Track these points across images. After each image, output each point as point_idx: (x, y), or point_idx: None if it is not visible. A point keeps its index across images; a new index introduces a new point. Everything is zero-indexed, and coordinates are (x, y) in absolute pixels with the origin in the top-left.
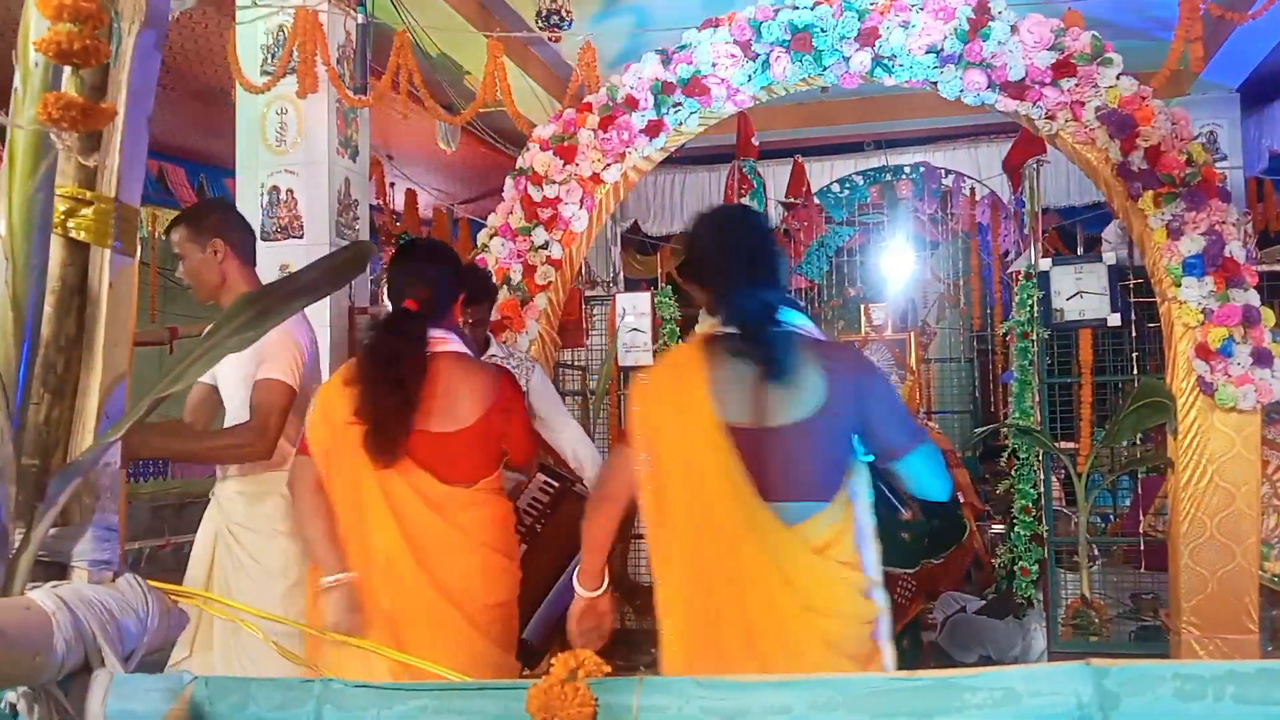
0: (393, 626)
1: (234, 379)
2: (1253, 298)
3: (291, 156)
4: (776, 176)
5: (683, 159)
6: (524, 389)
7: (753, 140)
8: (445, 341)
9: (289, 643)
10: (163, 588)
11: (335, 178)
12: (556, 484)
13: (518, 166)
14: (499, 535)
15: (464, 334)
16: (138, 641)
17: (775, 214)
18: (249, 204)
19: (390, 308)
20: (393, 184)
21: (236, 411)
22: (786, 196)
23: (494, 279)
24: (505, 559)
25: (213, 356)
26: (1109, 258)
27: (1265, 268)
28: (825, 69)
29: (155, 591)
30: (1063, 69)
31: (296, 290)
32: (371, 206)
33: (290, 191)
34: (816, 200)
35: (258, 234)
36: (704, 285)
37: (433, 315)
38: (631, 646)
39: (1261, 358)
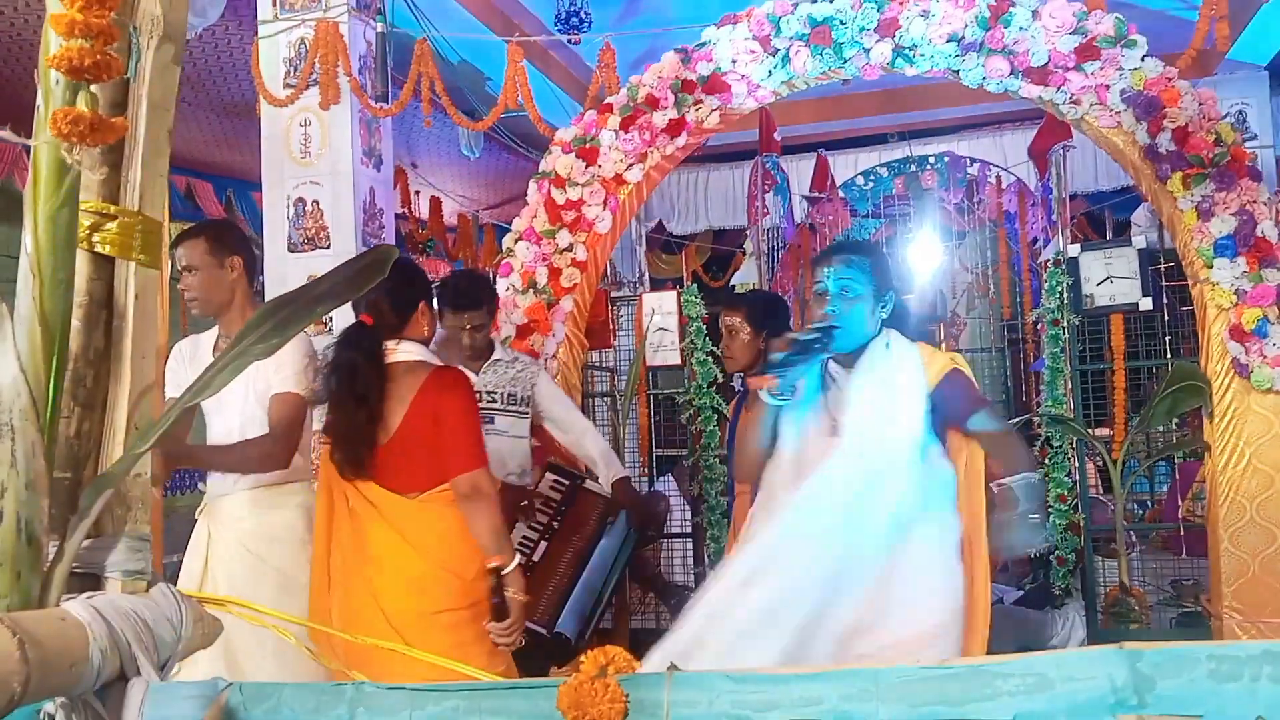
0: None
1: (240, 391)
2: None
3: (316, 168)
4: (800, 171)
5: (705, 157)
6: (529, 393)
7: (775, 136)
8: (394, 352)
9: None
10: (195, 596)
11: (360, 187)
12: (566, 481)
13: (540, 170)
14: (441, 547)
15: (424, 343)
16: (172, 650)
17: (800, 209)
18: (276, 216)
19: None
20: (417, 192)
21: (234, 424)
22: (810, 191)
23: (489, 283)
24: (446, 571)
25: (239, 365)
26: (1139, 241)
27: None
28: (845, 61)
29: (189, 600)
30: (1086, 52)
31: (318, 297)
32: (396, 215)
33: (316, 203)
34: (841, 194)
35: (285, 246)
36: None
37: (389, 328)
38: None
39: None
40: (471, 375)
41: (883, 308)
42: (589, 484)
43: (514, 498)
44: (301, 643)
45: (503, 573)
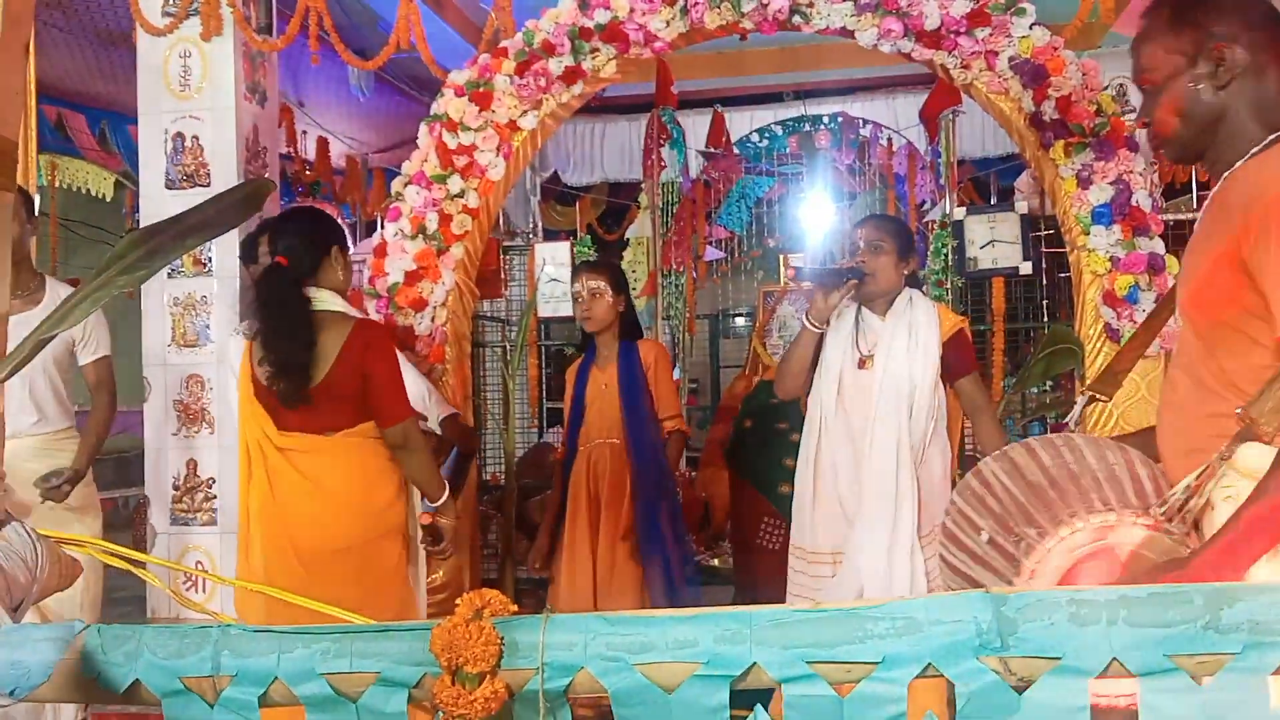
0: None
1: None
2: (1158, 246)
3: (196, 101)
4: (696, 126)
5: (602, 108)
6: None
7: (672, 89)
8: (315, 300)
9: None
10: (53, 536)
11: (243, 124)
12: None
13: (432, 113)
14: (347, 484)
15: (337, 289)
16: (26, 591)
17: (695, 164)
18: (152, 151)
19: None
20: (304, 132)
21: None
22: (706, 146)
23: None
24: (351, 507)
25: (101, 295)
26: (1021, 207)
27: (1170, 217)
28: (743, 15)
29: (45, 541)
30: (977, 18)
31: (189, 229)
32: (281, 155)
33: (195, 138)
34: (736, 150)
35: (163, 183)
36: None
37: (303, 273)
38: None
39: (1162, 307)
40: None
41: (906, 267)
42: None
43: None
44: (161, 582)
45: (437, 504)
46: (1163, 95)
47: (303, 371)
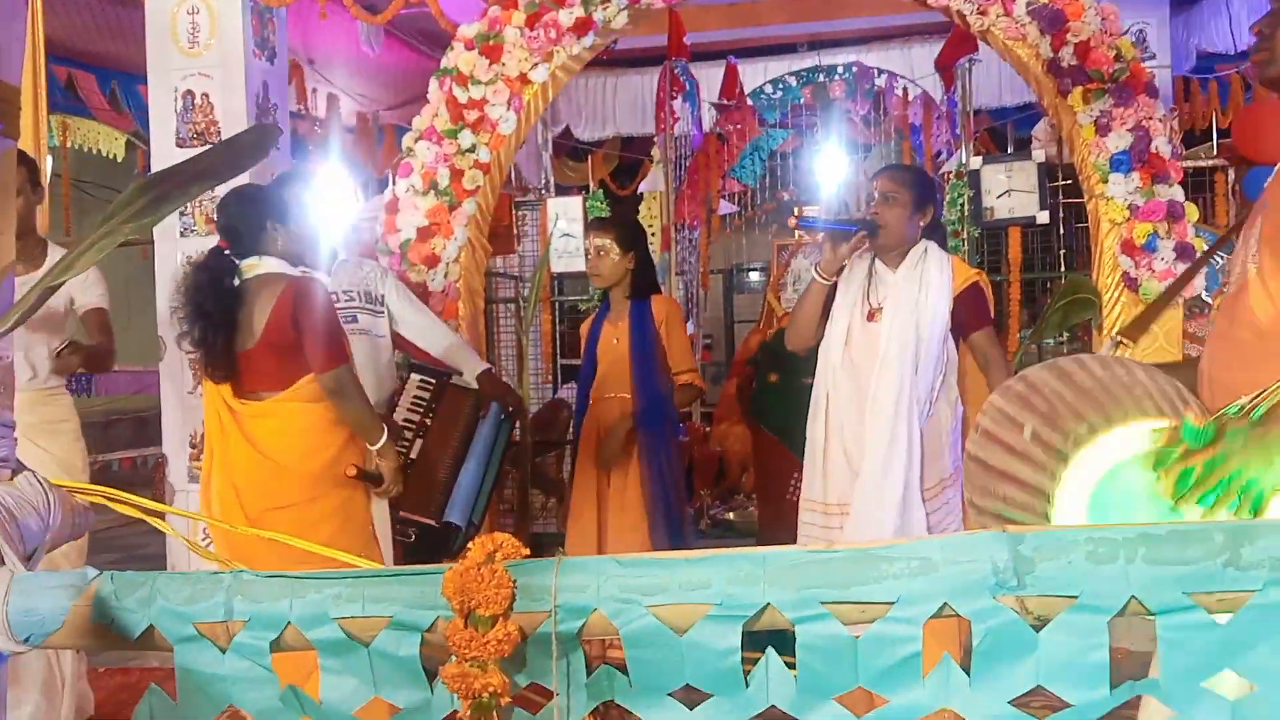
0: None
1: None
2: (1177, 193)
3: (205, 59)
4: (709, 79)
5: (614, 61)
6: (382, 291)
7: (684, 40)
8: (255, 268)
9: None
10: (66, 485)
11: (252, 81)
12: (433, 380)
13: (442, 67)
14: (285, 444)
15: (284, 256)
16: (39, 539)
17: (708, 117)
18: (162, 109)
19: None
20: (314, 89)
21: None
22: (719, 99)
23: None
24: (291, 467)
25: (107, 244)
26: (1038, 155)
27: (1190, 164)
28: None
29: (57, 490)
30: None
31: (195, 175)
32: (292, 113)
33: (205, 95)
34: (749, 102)
35: (174, 141)
36: None
37: (245, 249)
38: None
39: (1184, 252)
40: (323, 275)
41: (922, 219)
42: (455, 380)
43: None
44: (175, 531)
45: (376, 447)
46: None
47: (220, 351)
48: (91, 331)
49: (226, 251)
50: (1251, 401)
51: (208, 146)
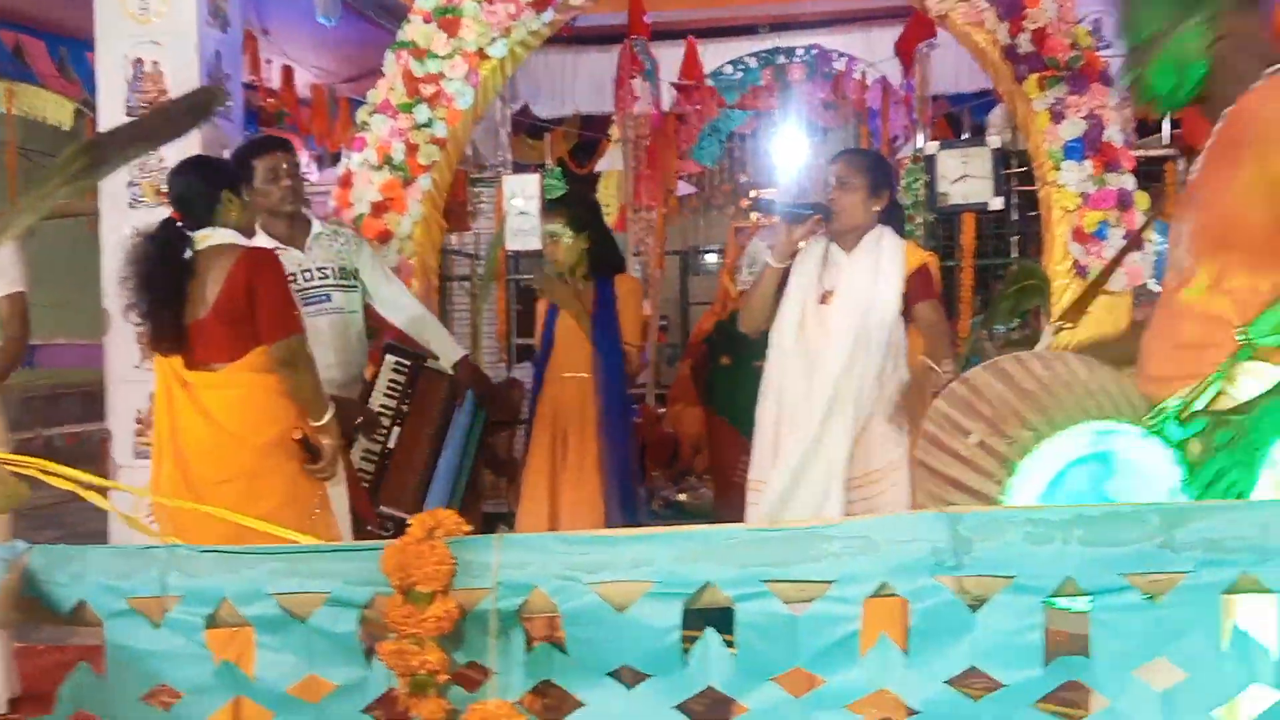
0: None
1: None
2: (1128, 182)
3: (156, 26)
4: (669, 59)
5: (574, 38)
6: (356, 265)
7: (645, 19)
8: (207, 239)
9: None
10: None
11: (205, 50)
12: (409, 361)
13: (398, 39)
14: (233, 415)
15: (239, 226)
16: None
17: (668, 96)
18: (111, 78)
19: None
20: (269, 60)
21: None
22: (679, 78)
23: (263, 140)
24: (236, 439)
25: (43, 206)
26: (993, 142)
27: (1142, 153)
28: None
29: None
30: None
31: (134, 138)
32: (245, 84)
33: (156, 64)
34: (709, 83)
35: (124, 110)
36: None
37: (198, 220)
38: None
39: (1137, 243)
40: (297, 253)
41: (877, 204)
42: (430, 363)
43: (349, 410)
44: (111, 505)
45: (320, 423)
46: None
47: (167, 323)
48: (4, 320)
49: (179, 223)
50: (1191, 394)
51: None
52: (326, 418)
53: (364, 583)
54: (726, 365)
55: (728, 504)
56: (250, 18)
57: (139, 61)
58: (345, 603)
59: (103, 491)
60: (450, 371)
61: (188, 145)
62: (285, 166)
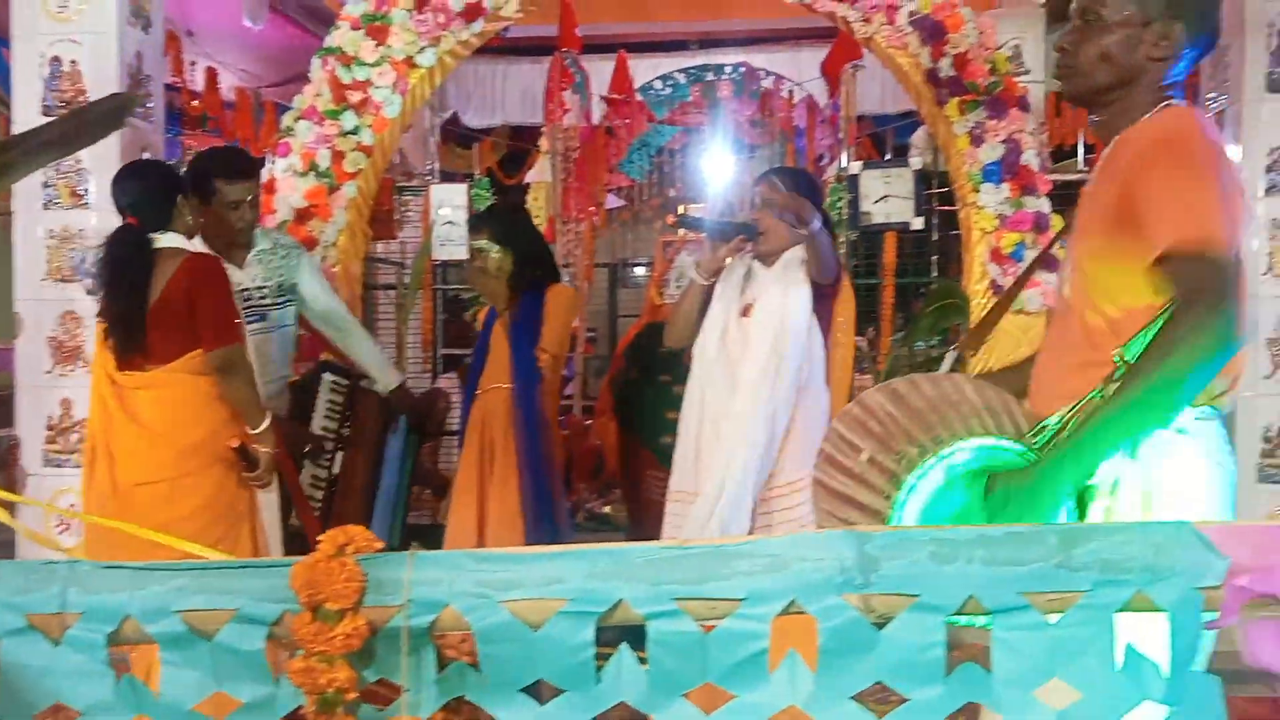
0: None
1: None
2: (1044, 205)
3: (75, 24)
4: (599, 72)
5: (505, 49)
6: (295, 279)
7: (576, 32)
8: (157, 241)
9: None
10: None
11: (125, 50)
12: (346, 381)
13: (325, 46)
14: (162, 414)
15: (186, 233)
16: None
17: (598, 109)
18: (29, 77)
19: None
20: (193, 62)
21: None
22: (609, 92)
23: (236, 163)
24: (165, 441)
25: None
26: (915, 163)
27: (1057, 177)
28: None
29: None
30: None
31: (45, 144)
32: (167, 85)
33: (74, 63)
34: (639, 97)
35: (39, 110)
36: None
37: (152, 225)
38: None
39: (1048, 263)
40: (236, 271)
41: (802, 225)
42: (364, 381)
43: (297, 437)
44: (9, 517)
45: (257, 431)
46: (1103, 35)
47: (136, 329)
48: None
49: (137, 227)
50: (1069, 413)
51: None
52: (263, 426)
53: (273, 599)
54: (635, 379)
55: (638, 518)
56: (174, 18)
57: (56, 60)
58: (254, 620)
59: (9, 505)
60: (382, 392)
61: (107, 147)
62: (251, 198)
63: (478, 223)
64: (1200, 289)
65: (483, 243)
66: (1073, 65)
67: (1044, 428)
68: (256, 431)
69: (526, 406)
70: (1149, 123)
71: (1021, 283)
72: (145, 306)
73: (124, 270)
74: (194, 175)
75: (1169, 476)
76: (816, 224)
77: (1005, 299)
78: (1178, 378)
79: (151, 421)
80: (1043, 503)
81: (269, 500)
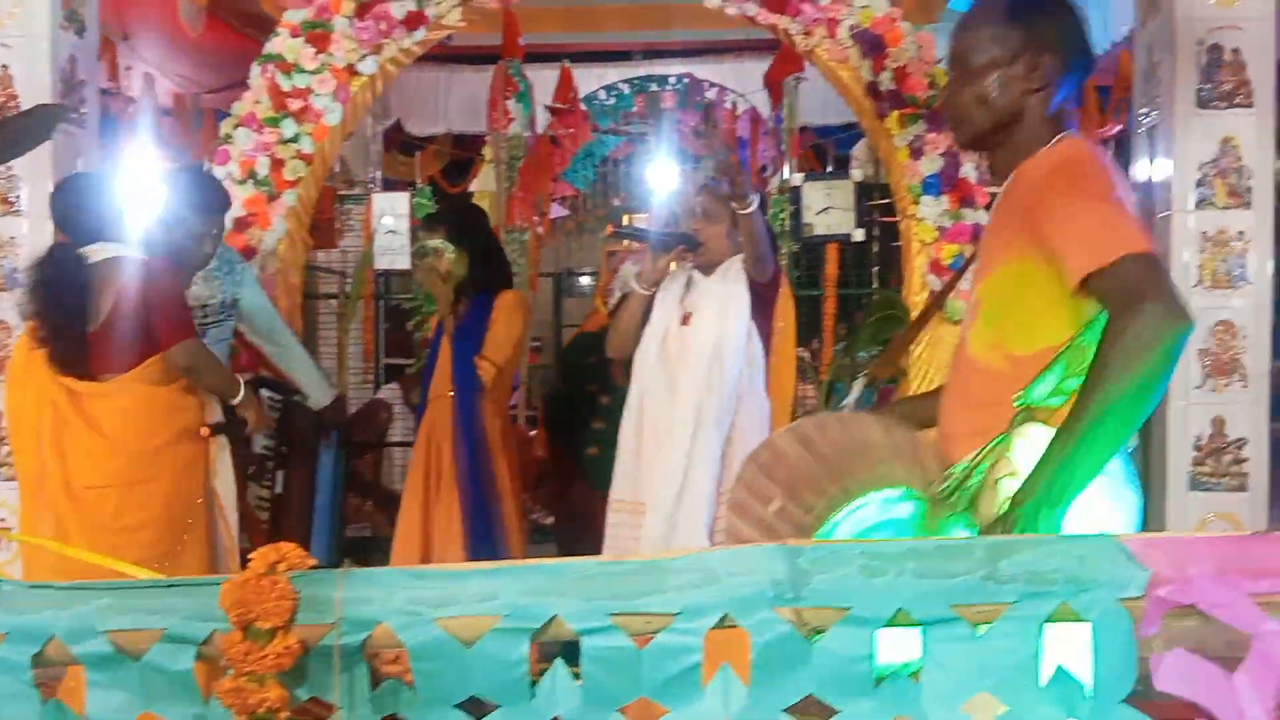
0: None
1: None
2: (982, 217)
3: (6, 29)
4: (543, 81)
5: (448, 57)
6: (236, 294)
7: (520, 41)
8: (97, 253)
9: None
10: None
11: (58, 55)
12: (281, 398)
13: (265, 53)
14: (121, 422)
15: (127, 240)
16: None
17: (542, 119)
18: None
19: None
20: (129, 67)
21: None
22: (553, 101)
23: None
24: (123, 447)
25: None
26: (856, 175)
27: (996, 190)
28: None
29: None
30: None
31: None
32: (102, 90)
33: (5, 67)
34: (583, 107)
35: None
36: None
37: (84, 240)
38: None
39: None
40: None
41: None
42: (298, 397)
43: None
44: None
45: (238, 401)
46: (975, 81)
47: (76, 345)
48: None
49: (68, 244)
50: (976, 458)
51: None
52: (241, 395)
53: (203, 619)
54: (563, 390)
55: (565, 527)
56: (109, 22)
57: None
58: (183, 639)
59: None
60: (315, 407)
61: (39, 154)
62: (217, 231)
63: (434, 220)
64: (1139, 288)
65: (438, 241)
66: (955, 116)
67: (950, 475)
68: (238, 402)
69: (465, 417)
70: (1043, 156)
71: (931, 312)
72: (84, 322)
73: (53, 290)
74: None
75: (1073, 516)
76: (754, 203)
77: (915, 328)
78: (1150, 378)
79: (110, 428)
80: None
81: (227, 490)
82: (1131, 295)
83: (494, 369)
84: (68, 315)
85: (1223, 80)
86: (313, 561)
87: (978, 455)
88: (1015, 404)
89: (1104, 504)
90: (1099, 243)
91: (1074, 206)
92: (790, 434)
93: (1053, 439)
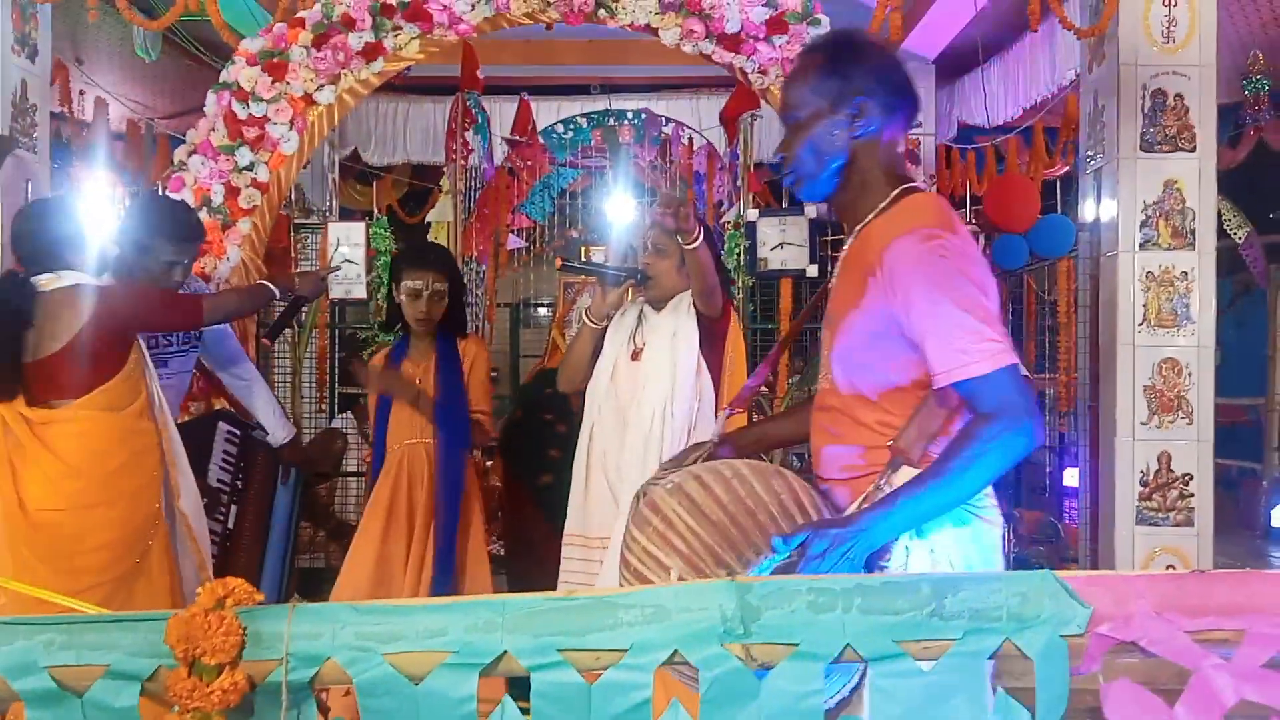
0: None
1: None
2: None
3: None
4: (502, 113)
5: (406, 88)
6: (197, 331)
7: (478, 74)
8: (54, 281)
9: None
10: None
11: (9, 79)
12: (239, 431)
13: (221, 80)
14: (76, 449)
15: (85, 269)
16: None
17: (500, 151)
18: None
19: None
20: (81, 91)
21: None
22: (512, 134)
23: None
24: (76, 470)
25: None
26: (810, 211)
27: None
28: (549, 5)
29: None
30: (775, 26)
31: None
32: (53, 114)
33: None
34: (541, 140)
35: None
36: None
37: (41, 268)
38: None
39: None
40: None
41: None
42: (257, 432)
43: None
44: None
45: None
46: (802, 132)
47: (11, 374)
48: None
49: (20, 273)
50: (862, 501)
51: None
52: (278, 290)
53: (148, 654)
54: (518, 418)
55: (516, 556)
56: (62, 48)
57: None
58: (127, 675)
59: None
60: (274, 444)
61: None
62: (189, 260)
63: (429, 255)
64: (998, 405)
65: (431, 277)
66: (792, 169)
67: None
68: (279, 295)
69: (449, 464)
70: (889, 218)
71: (788, 340)
72: (19, 351)
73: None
74: (135, 224)
75: (943, 540)
76: (699, 237)
77: (762, 371)
78: (981, 479)
79: (66, 453)
80: (857, 554)
81: (193, 508)
82: (990, 409)
83: (489, 418)
84: (7, 345)
85: (1166, 124)
86: (260, 597)
87: (860, 504)
88: (888, 447)
89: (967, 533)
90: (966, 354)
91: (939, 308)
92: (674, 495)
93: (892, 492)
